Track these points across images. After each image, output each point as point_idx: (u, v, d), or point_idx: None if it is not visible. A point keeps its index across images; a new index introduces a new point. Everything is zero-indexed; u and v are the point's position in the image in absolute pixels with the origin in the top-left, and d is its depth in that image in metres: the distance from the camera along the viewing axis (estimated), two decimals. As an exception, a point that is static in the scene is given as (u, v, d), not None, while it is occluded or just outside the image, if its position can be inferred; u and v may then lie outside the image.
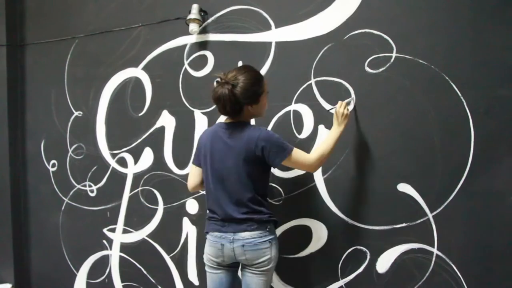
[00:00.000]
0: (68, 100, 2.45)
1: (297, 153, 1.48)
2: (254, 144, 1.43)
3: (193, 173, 1.67)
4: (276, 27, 1.88)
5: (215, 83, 1.50)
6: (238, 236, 1.46)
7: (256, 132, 1.45)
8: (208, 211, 1.58)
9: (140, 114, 2.23)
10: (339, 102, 1.63)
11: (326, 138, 1.57)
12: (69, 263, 2.50)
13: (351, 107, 1.69)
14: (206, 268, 1.59)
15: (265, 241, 1.46)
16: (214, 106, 2.00)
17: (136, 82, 2.24)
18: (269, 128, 1.89)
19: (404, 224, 1.66)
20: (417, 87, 1.62)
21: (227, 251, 1.48)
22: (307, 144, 1.80)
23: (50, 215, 2.54)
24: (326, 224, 1.79)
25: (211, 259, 1.54)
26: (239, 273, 1.59)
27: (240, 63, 1.94)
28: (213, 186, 1.51)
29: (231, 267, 1.56)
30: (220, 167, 1.49)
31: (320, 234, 1.80)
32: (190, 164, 1.70)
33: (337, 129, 1.57)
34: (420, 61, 1.61)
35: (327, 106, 1.76)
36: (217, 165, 1.50)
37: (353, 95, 1.70)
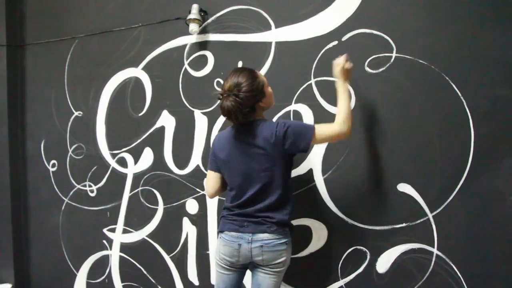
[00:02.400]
0: (68, 100, 2.45)
1: (321, 128, 1.43)
2: (276, 138, 1.39)
3: (211, 179, 1.61)
4: (276, 27, 1.88)
5: (218, 100, 1.47)
6: (256, 236, 1.44)
7: (273, 125, 1.42)
8: (225, 210, 1.56)
9: (140, 114, 2.23)
10: (341, 57, 1.56)
11: (341, 99, 1.50)
12: (69, 263, 2.50)
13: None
14: (217, 268, 1.56)
15: (282, 242, 1.46)
16: (214, 106, 2.01)
17: (136, 82, 2.24)
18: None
19: (404, 224, 1.66)
20: (417, 87, 1.62)
21: (244, 251, 1.46)
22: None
23: (50, 215, 2.54)
24: (326, 224, 1.79)
25: (225, 258, 1.51)
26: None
27: (240, 63, 1.95)
28: (238, 186, 1.48)
29: (243, 268, 1.55)
30: (245, 168, 1.45)
31: (320, 234, 1.80)
32: (207, 171, 1.64)
33: (345, 85, 1.52)
34: (420, 61, 1.61)
35: (326, 105, 1.76)
36: (241, 166, 1.46)
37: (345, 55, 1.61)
